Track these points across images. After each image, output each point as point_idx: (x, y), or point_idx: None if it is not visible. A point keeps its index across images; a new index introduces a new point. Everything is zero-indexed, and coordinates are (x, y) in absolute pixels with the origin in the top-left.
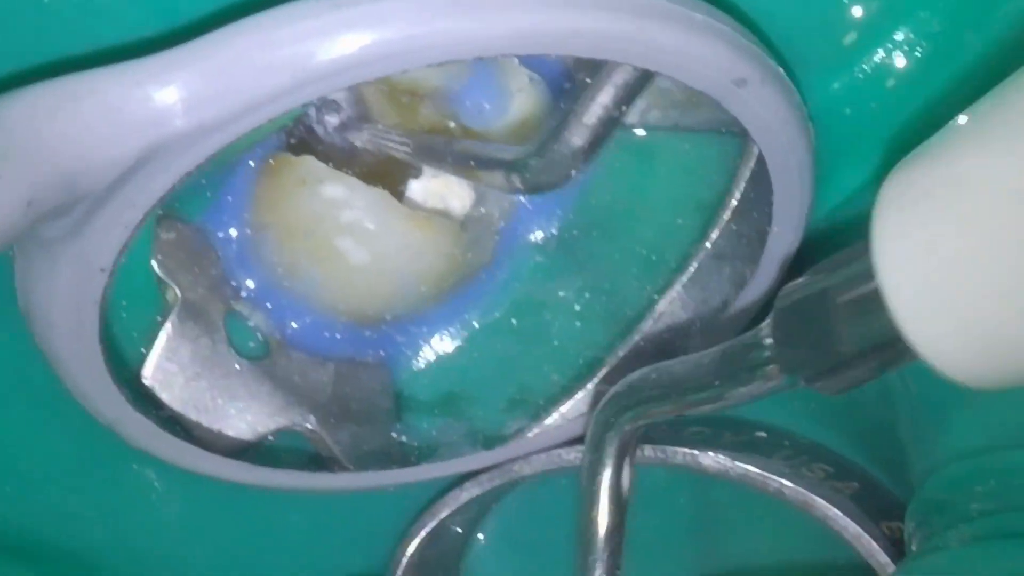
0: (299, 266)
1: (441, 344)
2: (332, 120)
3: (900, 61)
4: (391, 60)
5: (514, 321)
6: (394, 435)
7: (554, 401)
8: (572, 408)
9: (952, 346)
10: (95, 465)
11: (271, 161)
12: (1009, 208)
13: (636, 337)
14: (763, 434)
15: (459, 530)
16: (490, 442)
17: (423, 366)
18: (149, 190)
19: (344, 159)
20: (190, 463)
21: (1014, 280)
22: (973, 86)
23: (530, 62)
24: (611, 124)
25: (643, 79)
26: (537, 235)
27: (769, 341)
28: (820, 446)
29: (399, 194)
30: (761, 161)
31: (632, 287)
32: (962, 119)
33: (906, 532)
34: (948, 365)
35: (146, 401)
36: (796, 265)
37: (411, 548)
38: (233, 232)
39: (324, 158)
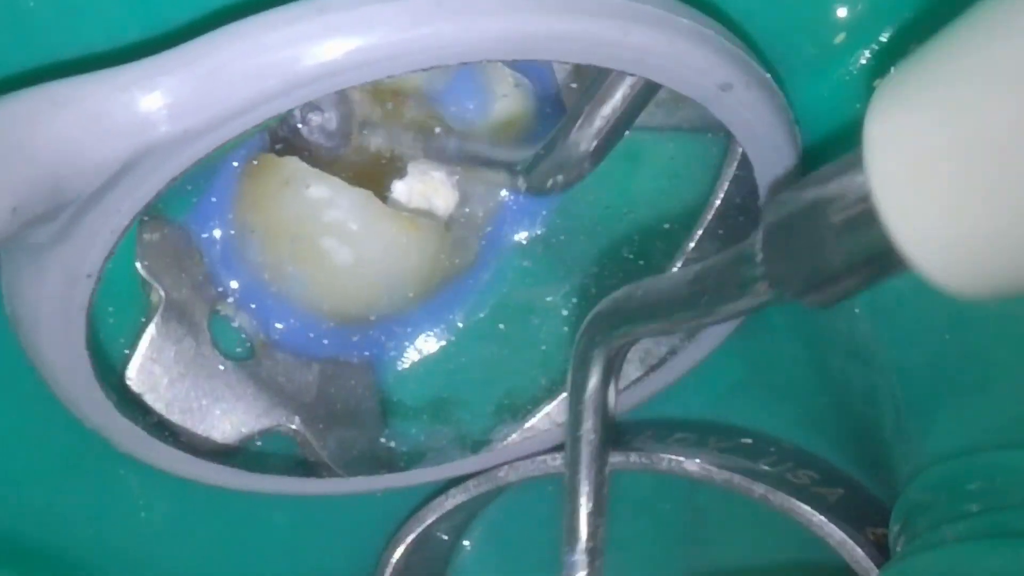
0: (283, 267)
1: (427, 345)
2: (318, 121)
3: (886, 62)
4: (377, 65)
5: (500, 323)
6: (383, 440)
7: (540, 403)
8: (558, 410)
9: (945, 253)
10: (81, 468)
11: (255, 162)
12: (1003, 107)
13: None
14: (748, 440)
15: (445, 536)
16: (478, 447)
17: (409, 368)
18: (135, 196)
19: (329, 160)
20: (177, 467)
21: (1009, 180)
22: None
23: (516, 66)
24: (622, 127)
25: (653, 84)
26: (522, 236)
27: (758, 255)
28: (805, 452)
29: (383, 195)
30: (747, 163)
31: (617, 287)
32: (951, 26)
33: (891, 534)
34: (941, 273)
35: (133, 406)
36: None
37: (397, 554)
38: (217, 233)
39: (308, 159)
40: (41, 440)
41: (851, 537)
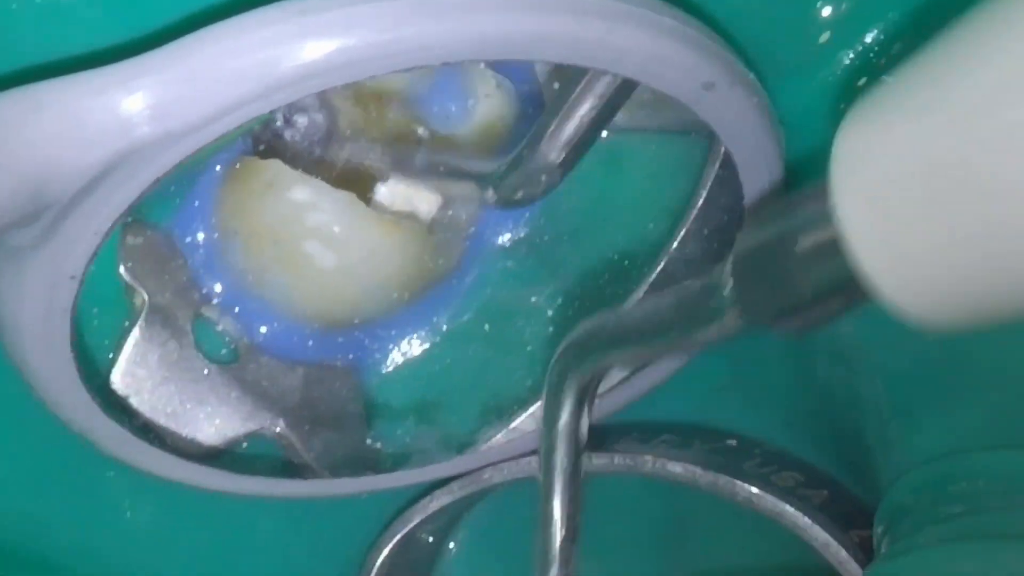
0: (267, 270)
1: (411, 348)
2: (301, 124)
3: (871, 63)
4: (358, 66)
5: (485, 325)
6: (368, 441)
7: (525, 404)
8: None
9: (911, 286)
10: (65, 471)
11: (238, 165)
12: (967, 142)
13: None
14: (733, 442)
15: (430, 539)
16: (463, 448)
17: (394, 371)
18: (117, 198)
19: (311, 163)
20: (161, 469)
21: (975, 218)
22: None
23: (497, 67)
24: (589, 140)
25: (622, 93)
26: (505, 238)
27: (728, 284)
28: (790, 454)
29: (367, 198)
30: (731, 163)
31: (601, 289)
32: (916, 58)
33: (875, 535)
34: (903, 302)
35: (118, 409)
36: None
37: (382, 557)
38: (200, 237)
39: (291, 162)
40: (25, 445)
41: (836, 539)
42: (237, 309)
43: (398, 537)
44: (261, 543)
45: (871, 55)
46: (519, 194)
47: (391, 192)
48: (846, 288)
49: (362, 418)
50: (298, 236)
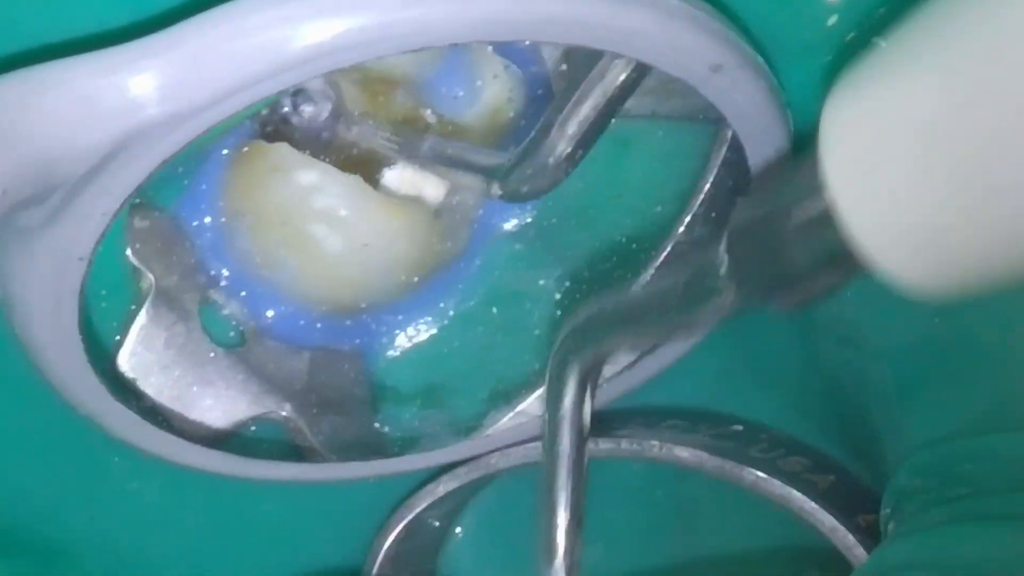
0: (273, 254)
1: (417, 332)
2: (307, 108)
3: (879, 43)
4: (366, 47)
5: (492, 309)
6: (375, 425)
7: (533, 387)
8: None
9: (904, 252)
10: (71, 454)
11: (245, 149)
12: (959, 101)
13: None
14: (739, 427)
15: (436, 523)
16: (471, 431)
17: (401, 355)
18: (125, 178)
19: (319, 147)
20: (168, 453)
21: (966, 177)
22: None
23: (504, 50)
24: (596, 132)
25: (628, 86)
26: (512, 223)
27: (724, 263)
28: (797, 439)
29: (374, 181)
30: (739, 146)
31: (608, 272)
32: (905, 23)
33: (881, 518)
34: (894, 267)
35: (125, 391)
36: None
37: (388, 541)
38: (207, 220)
39: (298, 145)
40: (32, 428)
41: (842, 523)
42: (244, 292)
43: (405, 521)
44: (268, 527)
45: (879, 36)
46: (525, 188)
47: (398, 176)
48: (841, 259)
49: (369, 402)
50: (305, 219)
